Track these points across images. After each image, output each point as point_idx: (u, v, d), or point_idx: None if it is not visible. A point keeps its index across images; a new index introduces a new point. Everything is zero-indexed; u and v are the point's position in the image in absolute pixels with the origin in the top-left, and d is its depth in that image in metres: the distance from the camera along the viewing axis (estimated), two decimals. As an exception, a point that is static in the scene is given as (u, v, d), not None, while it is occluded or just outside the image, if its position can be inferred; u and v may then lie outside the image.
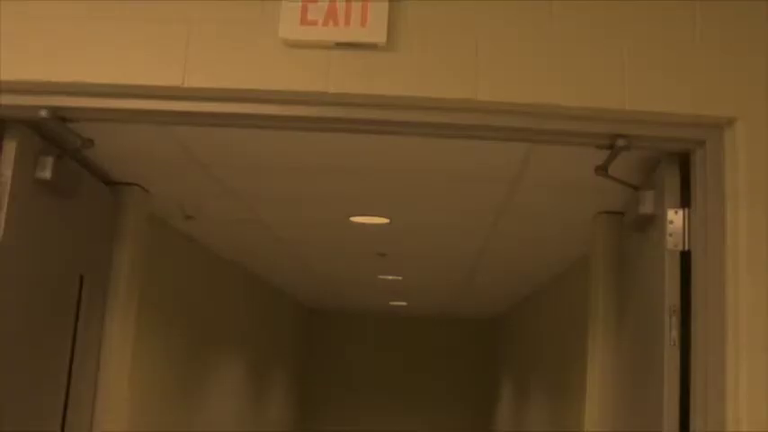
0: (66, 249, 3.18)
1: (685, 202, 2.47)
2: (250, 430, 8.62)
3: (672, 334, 2.42)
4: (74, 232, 3.23)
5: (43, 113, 2.49)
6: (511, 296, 8.30)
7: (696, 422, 2.27)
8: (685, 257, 2.46)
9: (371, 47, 2.30)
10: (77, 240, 3.28)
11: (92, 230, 3.44)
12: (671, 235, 2.46)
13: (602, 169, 2.62)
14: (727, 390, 2.21)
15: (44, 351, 3.08)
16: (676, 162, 2.51)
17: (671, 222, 2.47)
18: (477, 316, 11.18)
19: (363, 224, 4.64)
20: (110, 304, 3.62)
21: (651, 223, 2.68)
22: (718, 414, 2.20)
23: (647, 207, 2.67)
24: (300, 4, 2.33)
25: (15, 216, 2.69)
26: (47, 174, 2.79)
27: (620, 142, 2.38)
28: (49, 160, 2.80)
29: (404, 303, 10.07)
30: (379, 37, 2.29)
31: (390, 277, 7.33)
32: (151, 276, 4.71)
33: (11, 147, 2.63)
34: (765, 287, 2.23)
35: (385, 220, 4.52)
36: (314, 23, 2.32)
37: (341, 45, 2.31)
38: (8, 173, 2.63)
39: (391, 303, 10.11)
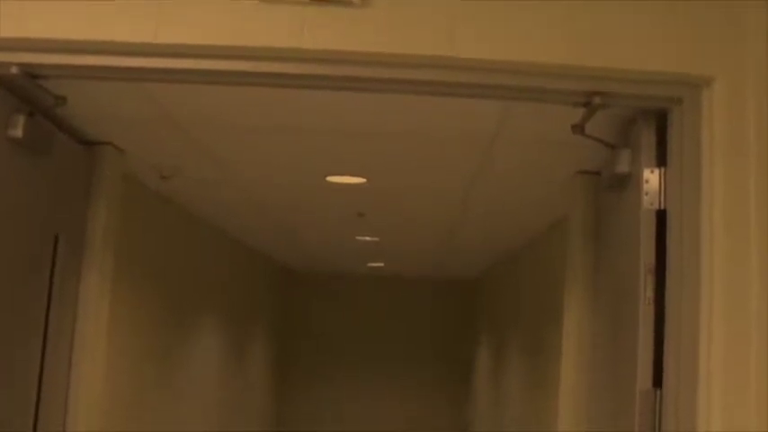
0: (40, 208, 3.14)
1: (661, 161, 2.47)
2: (228, 391, 8.65)
3: (647, 292, 2.43)
4: (47, 191, 3.19)
5: (14, 70, 2.45)
6: (489, 257, 8.33)
7: (669, 378, 2.28)
8: (661, 217, 2.46)
9: (347, 3, 2.27)
10: (51, 200, 3.25)
11: (66, 190, 3.41)
12: (647, 194, 2.46)
13: (578, 128, 2.61)
14: (701, 348, 2.22)
15: (19, 311, 3.06)
16: (653, 121, 2.51)
17: (647, 181, 2.47)
18: (455, 277, 11.23)
19: (340, 184, 4.62)
20: (85, 264, 3.60)
21: (627, 182, 2.68)
22: (690, 371, 2.21)
23: (623, 166, 2.67)
24: (275, -42, 2.29)
25: (-14, 175, 2.65)
26: (18, 132, 2.76)
27: (597, 100, 2.37)
28: (21, 118, 2.76)
29: (381, 264, 10.08)
30: (355, -8, 2.26)
31: (368, 238, 7.33)
32: (127, 237, 4.68)
33: (-20, 104, 2.60)
34: (741, 246, 2.24)
35: (362, 180, 4.51)
36: (288, -22, 2.28)
37: (316, 0, 2.28)
38: (-22, 131, 2.60)
39: (369, 265, 10.13)
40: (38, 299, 3.24)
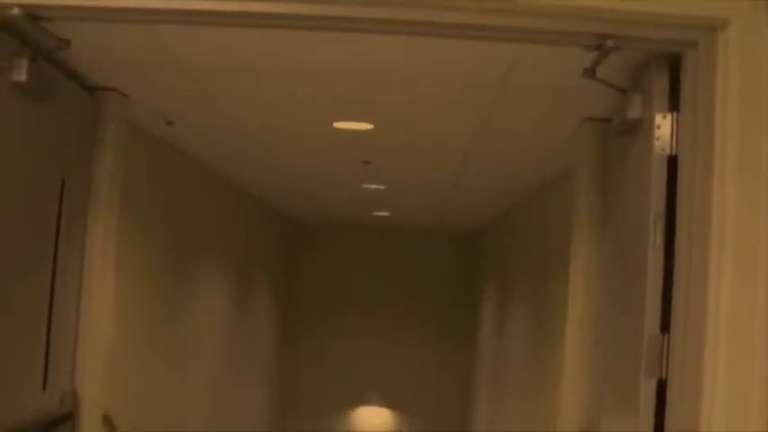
0: (45, 153, 3.13)
1: (674, 106, 2.44)
2: (233, 336, 8.70)
3: (656, 239, 2.41)
4: (52, 136, 3.17)
5: (15, 11, 2.41)
6: (496, 207, 8.31)
7: (677, 323, 2.28)
8: (672, 163, 2.44)
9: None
10: (56, 145, 3.23)
11: (70, 135, 3.39)
12: (658, 139, 2.44)
13: (589, 71, 2.57)
14: (709, 293, 2.21)
15: (27, 252, 3.06)
16: (666, 65, 2.47)
17: (658, 127, 2.44)
18: (461, 227, 11.21)
19: (347, 130, 4.59)
20: (92, 207, 3.60)
21: (638, 128, 2.66)
22: (699, 316, 2.21)
23: (634, 111, 2.64)
24: None
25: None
26: (22, 76, 2.72)
27: (610, 43, 2.33)
28: (24, 62, 2.72)
29: (387, 214, 10.07)
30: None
31: (374, 186, 7.31)
32: (133, 183, 4.66)
33: (-18, 48, 2.57)
34: (752, 192, 2.22)
35: (369, 126, 4.47)
36: None
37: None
38: (-19, 75, 2.57)
39: (374, 214, 10.11)
40: (45, 241, 3.24)
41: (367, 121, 4.38)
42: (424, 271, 11.94)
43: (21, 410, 3.07)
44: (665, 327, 2.35)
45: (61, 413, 3.44)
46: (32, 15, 2.46)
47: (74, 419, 3.55)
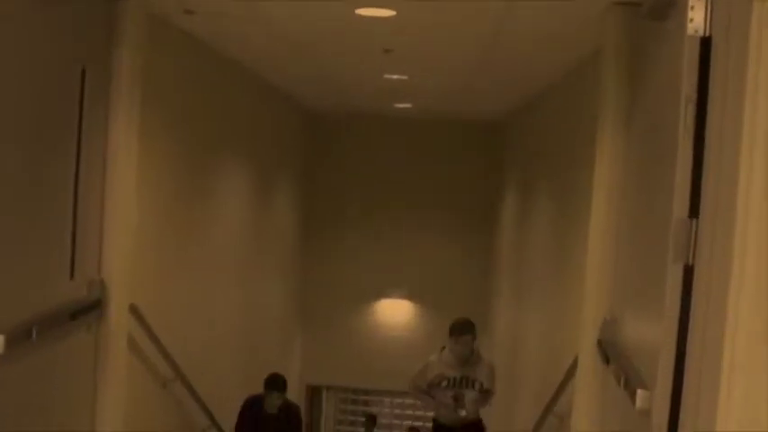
0: (65, 43, 3.11)
1: (709, -15, 2.35)
2: (256, 234, 8.76)
3: (687, 122, 2.36)
4: (73, 28, 3.15)
5: None
6: (518, 96, 8.21)
7: (706, 208, 2.24)
8: (705, 46, 2.37)
9: None
10: (77, 36, 3.21)
11: (91, 27, 3.36)
12: (692, 20, 2.36)
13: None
14: (740, 178, 2.16)
15: (50, 139, 3.06)
16: (701, -57, 2.38)
17: (692, 7, 2.36)
18: (483, 118, 11.09)
19: (369, 17, 4.50)
20: (113, 99, 3.58)
21: (670, 10, 2.58)
22: (729, 201, 2.16)
23: (667, -8, 2.56)
24: None
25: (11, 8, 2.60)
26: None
27: None
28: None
29: (409, 105, 9.97)
30: None
31: (396, 77, 7.21)
32: (154, 74, 4.62)
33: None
34: (787, 74, 2.15)
35: (391, 13, 4.38)
36: None
37: None
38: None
39: (396, 106, 10.02)
40: (69, 129, 3.23)
41: (389, 8, 4.29)
42: (446, 163, 11.87)
43: (49, 298, 3.12)
44: (694, 211, 2.32)
45: (89, 301, 3.50)
46: None
47: (101, 308, 3.61)
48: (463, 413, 5.93)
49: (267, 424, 6.50)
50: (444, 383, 5.99)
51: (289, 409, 6.62)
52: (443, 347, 6.01)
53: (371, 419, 10.39)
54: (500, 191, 10.79)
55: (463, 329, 5.89)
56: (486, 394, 6.09)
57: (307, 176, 11.62)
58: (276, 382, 6.47)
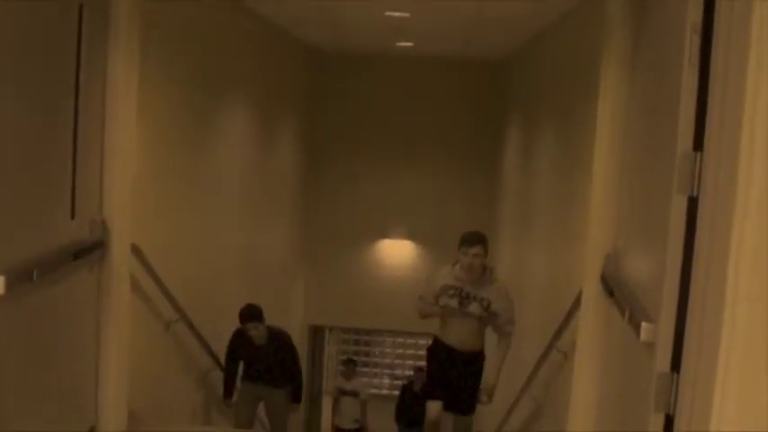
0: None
1: None
2: (258, 173, 8.74)
3: (692, 53, 2.33)
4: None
5: None
6: (521, 35, 8.12)
7: (710, 140, 2.22)
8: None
9: None
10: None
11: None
12: (697, -52, 2.32)
13: None
14: (745, 109, 2.13)
15: (47, 81, 3.02)
16: None
17: (698, -65, 2.32)
18: (486, 57, 10.99)
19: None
20: (112, 36, 3.53)
21: (676, -62, 2.52)
22: (734, 134, 2.13)
23: None
24: None
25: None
26: None
27: None
28: None
29: (410, 44, 9.89)
30: None
31: (397, 14, 7.13)
32: (153, 16, 4.55)
33: None
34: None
35: (392, -52, 4.32)
36: None
37: None
38: None
39: (398, 44, 9.93)
40: (67, 67, 3.19)
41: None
42: (448, 103, 11.80)
43: (50, 238, 3.11)
44: (698, 144, 2.30)
45: (91, 241, 3.49)
46: None
47: (104, 248, 3.60)
48: (471, 308, 5.35)
49: (258, 355, 6.39)
50: (451, 292, 5.44)
51: (278, 338, 6.48)
52: (456, 262, 5.45)
53: (351, 362, 10.48)
54: (503, 130, 10.74)
55: (473, 240, 5.33)
56: (495, 318, 5.44)
57: (309, 117, 11.56)
58: (251, 313, 6.25)
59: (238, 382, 6.62)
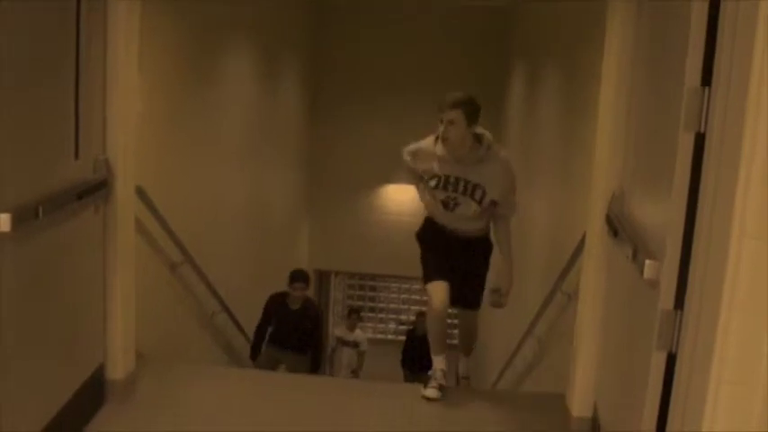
0: None
1: None
2: (262, 119, 8.70)
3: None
4: None
5: None
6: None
7: (719, 75, 2.19)
8: None
9: None
10: None
11: None
12: None
13: None
14: (756, 46, 2.09)
15: (48, 22, 2.99)
16: None
17: None
18: (492, 5, 10.90)
19: None
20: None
21: None
22: (743, 69, 2.10)
23: None
24: None
25: None
26: None
27: None
28: None
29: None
30: None
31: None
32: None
33: None
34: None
35: None
36: None
37: None
38: None
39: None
40: (68, 8, 3.16)
41: None
42: (452, 50, 11.72)
43: (54, 178, 3.10)
44: (706, 80, 2.27)
45: (95, 181, 3.48)
46: None
47: (108, 188, 3.59)
48: (461, 210, 4.32)
49: (288, 318, 6.96)
50: (433, 183, 4.34)
51: (310, 306, 7.11)
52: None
53: (355, 313, 10.46)
54: (508, 76, 10.67)
55: (450, 103, 4.21)
56: (493, 205, 4.35)
57: (313, 62, 11.49)
58: (301, 275, 6.96)
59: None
